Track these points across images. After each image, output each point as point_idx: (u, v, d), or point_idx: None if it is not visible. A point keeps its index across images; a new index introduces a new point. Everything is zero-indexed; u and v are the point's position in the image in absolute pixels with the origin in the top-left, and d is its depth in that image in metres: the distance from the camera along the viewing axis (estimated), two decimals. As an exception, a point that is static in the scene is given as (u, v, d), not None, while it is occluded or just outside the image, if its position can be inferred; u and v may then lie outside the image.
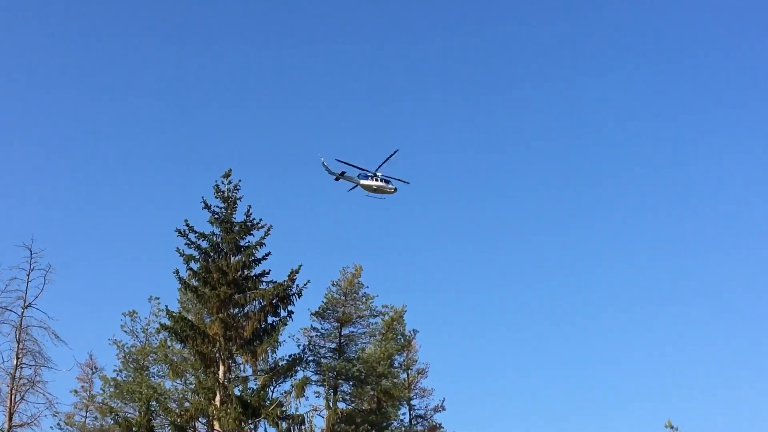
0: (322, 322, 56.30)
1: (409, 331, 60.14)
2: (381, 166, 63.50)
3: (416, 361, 62.07)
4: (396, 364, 58.45)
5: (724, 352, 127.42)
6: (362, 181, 62.83)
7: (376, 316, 57.59)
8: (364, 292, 57.08)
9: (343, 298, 56.33)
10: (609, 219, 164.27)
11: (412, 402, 60.90)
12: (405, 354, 60.48)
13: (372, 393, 54.94)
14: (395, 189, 64.39)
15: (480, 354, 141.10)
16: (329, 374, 52.04)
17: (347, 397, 55.24)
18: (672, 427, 58.17)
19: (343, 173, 62.43)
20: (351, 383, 54.62)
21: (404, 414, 59.89)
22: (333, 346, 55.98)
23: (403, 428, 56.82)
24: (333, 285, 56.47)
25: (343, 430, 48.12)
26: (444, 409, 61.90)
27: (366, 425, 51.12)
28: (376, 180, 63.18)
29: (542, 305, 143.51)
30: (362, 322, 57.42)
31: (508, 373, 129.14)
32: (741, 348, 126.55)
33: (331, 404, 50.51)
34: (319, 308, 55.55)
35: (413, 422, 60.00)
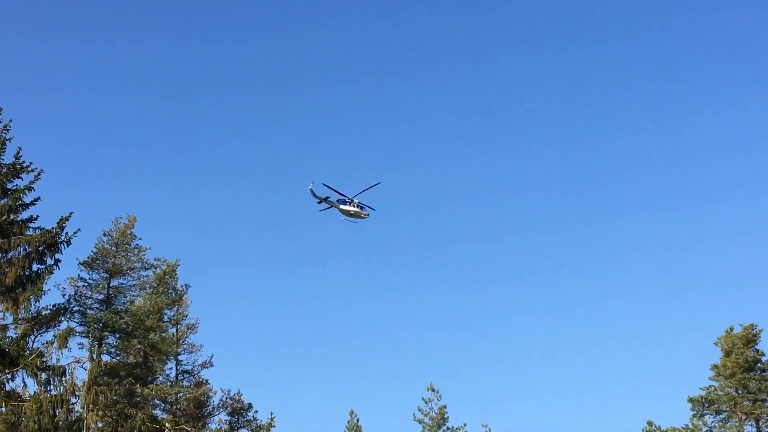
0: (91, 273, 54.77)
1: (181, 286, 59.82)
2: (360, 194, 66.94)
3: (186, 316, 61.85)
4: (165, 319, 57.90)
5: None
6: (341, 206, 66.29)
7: (147, 269, 56.68)
8: (137, 244, 55.96)
9: (114, 248, 54.98)
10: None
11: (180, 357, 60.72)
12: (175, 309, 60.06)
13: (139, 346, 54.17)
14: (368, 215, 67.72)
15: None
16: (95, 326, 50.82)
17: (113, 350, 54.18)
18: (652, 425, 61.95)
19: (326, 198, 65.81)
20: (117, 336, 53.60)
21: (171, 369, 59.65)
22: (101, 297, 54.64)
23: (168, 383, 56.55)
24: (104, 235, 55.00)
25: (105, 383, 47.16)
26: (212, 365, 62.25)
27: (130, 378, 50.43)
28: (353, 206, 66.58)
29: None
30: (133, 275, 56.29)
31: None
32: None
33: (94, 356, 49.33)
34: (88, 258, 54.02)
35: (180, 377, 59.86)
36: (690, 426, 59.27)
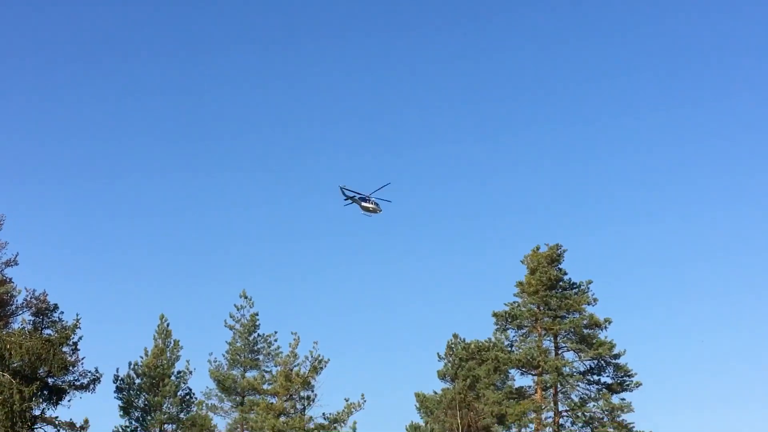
0: None
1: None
2: (374, 192, 76.93)
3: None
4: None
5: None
6: (362, 203, 76.58)
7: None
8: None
9: None
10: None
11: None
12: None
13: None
14: (381, 210, 78.81)
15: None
16: None
17: None
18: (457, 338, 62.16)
19: (353, 197, 76.55)
20: None
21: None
22: None
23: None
24: None
25: None
26: (16, 264, 60.06)
27: None
28: (371, 203, 77.10)
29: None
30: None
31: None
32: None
33: None
34: None
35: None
36: (493, 339, 61.03)
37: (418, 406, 62.26)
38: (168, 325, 63.48)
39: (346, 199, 76.51)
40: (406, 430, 59.87)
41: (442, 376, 62.13)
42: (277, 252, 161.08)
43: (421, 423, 60.22)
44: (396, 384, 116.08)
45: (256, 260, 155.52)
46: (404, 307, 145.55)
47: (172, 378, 62.36)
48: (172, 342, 63.33)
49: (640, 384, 59.29)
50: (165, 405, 61.60)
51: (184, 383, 62.97)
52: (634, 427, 57.71)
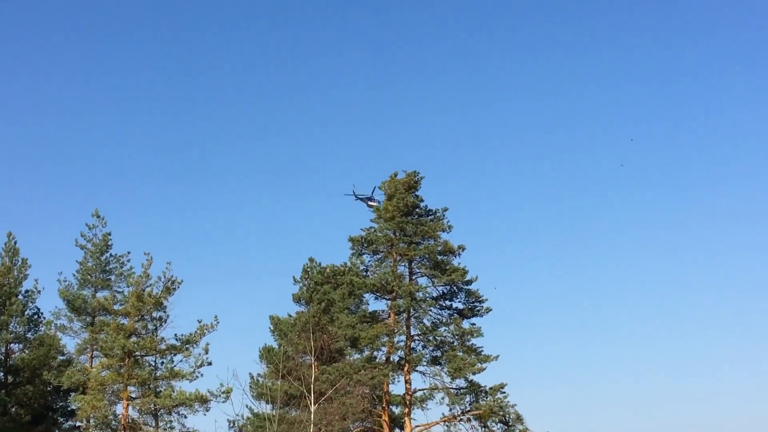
0: None
1: None
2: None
3: None
4: None
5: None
6: (369, 203, 75.32)
7: None
8: None
9: None
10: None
11: None
12: None
13: None
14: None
15: None
16: None
17: None
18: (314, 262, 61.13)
19: (361, 198, 78.87)
20: None
21: None
22: None
23: None
24: None
25: None
26: None
27: None
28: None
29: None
30: None
31: None
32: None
33: None
34: None
35: None
36: (348, 264, 61.47)
37: (272, 328, 62.37)
38: (15, 243, 61.50)
39: (355, 198, 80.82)
40: (260, 352, 59.96)
41: (297, 299, 62.28)
42: (130, 169, 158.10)
43: (275, 345, 60.40)
44: (251, 307, 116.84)
45: (109, 176, 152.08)
46: (260, 233, 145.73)
47: (20, 297, 60.62)
48: (20, 260, 61.44)
49: (490, 310, 61.01)
50: (12, 324, 59.95)
51: (32, 302, 61.39)
52: (482, 350, 59.42)
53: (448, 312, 60.76)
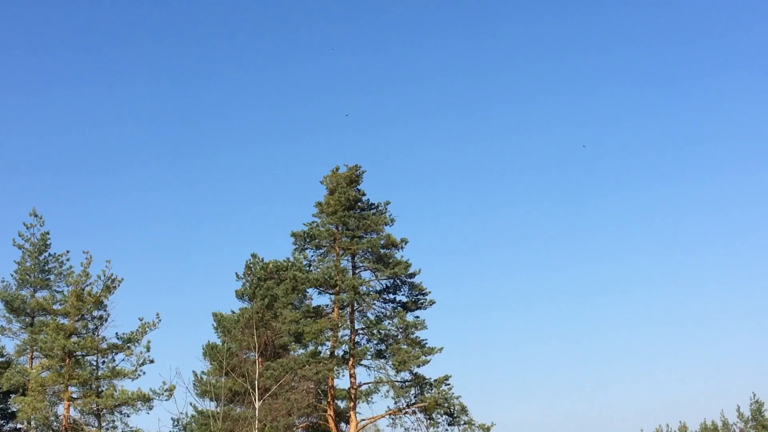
0: None
1: None
2: None
3: None
4: None
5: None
6: None
7: None
8: None
9: None
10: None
11: None
12: None
13: None
14: None
15: None
16: None
17: None
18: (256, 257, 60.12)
19: None
20: None
21: None
22: None
23: None
24: None
25: None
26: None
27: None
28: None
29: None
30: None
31: None
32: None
33: None
34: None
35: None
36: (291, 259, 61.32)
37: (215, 325, 61.93)
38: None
39: None
40: (203, 349, 59.53)
41: (240, 295, 61.93)
42: (70, 170, 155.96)
43: (219, 342, 60.05)
44: (193, 304, 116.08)
45: (49, 177, 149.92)
46: (203, 228, 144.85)
47: (-45, 298, 59.44)
48: (-44, 261, 60.31)
49: (434, 302, 61.36)
50: (-53, 326, 58.83)
51: (-32, 304, 60.16)
52: (426, 343, 59.71)
53: (392, 305, 61.01)
